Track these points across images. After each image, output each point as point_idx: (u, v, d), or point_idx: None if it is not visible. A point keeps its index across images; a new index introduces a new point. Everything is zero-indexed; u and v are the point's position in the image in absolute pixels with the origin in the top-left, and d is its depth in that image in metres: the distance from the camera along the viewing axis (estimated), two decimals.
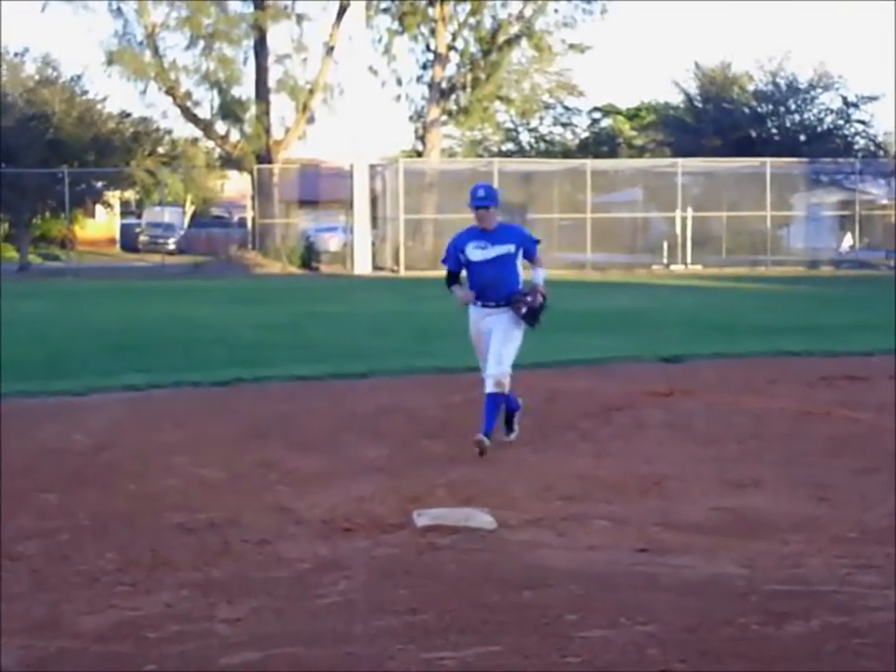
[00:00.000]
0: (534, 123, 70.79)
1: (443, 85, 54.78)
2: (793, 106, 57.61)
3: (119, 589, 6.25)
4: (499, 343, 9.97)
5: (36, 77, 54.12)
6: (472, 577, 6.40)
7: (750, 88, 59.14)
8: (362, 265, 47.09)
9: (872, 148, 58.22)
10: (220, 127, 53.42)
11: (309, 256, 49.38)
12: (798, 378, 14.13)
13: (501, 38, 54.40)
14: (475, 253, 10.04)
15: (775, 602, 5.88)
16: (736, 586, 6.16)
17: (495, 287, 10.03)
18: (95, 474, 9.10)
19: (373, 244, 48.73)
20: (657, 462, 9.45)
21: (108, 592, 6.19)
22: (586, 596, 6.03)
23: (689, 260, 48.21)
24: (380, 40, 54.61)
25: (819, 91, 57.54)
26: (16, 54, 54.68)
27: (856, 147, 57.48)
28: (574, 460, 9.59)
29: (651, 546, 6.98)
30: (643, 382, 13.81)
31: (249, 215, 57.30)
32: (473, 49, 55.17)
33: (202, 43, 51.35)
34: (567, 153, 65.45)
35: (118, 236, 72.11)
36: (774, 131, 57.53)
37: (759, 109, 57.89)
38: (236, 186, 73.65)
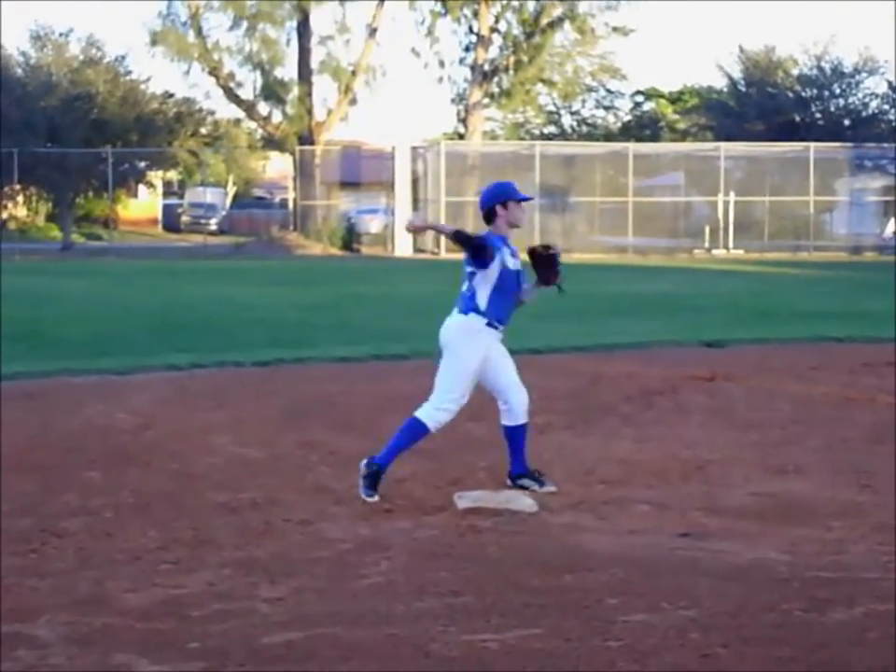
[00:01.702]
0: (576, 106, 70.63)
1: (486, 67, 54.66)
2: (838, 91, 57.26)
3: (163, 567, 6.29)
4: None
5: (81, 58, 54.42)
6: (513, 559, 6.41)
7: (795, 72, 58.84)
8: (403, 247, 47.14)
9: None
10: (263, 108, 53.65)
11: (350, 237, 49.47)
12: (841, 364, 14.06)
13: (544, 21, 54.25)
14: (510, 261, 8.07)
15: (817, 588, 5.86)
16: (779, 572, 6.15)
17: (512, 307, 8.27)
18: (138, 453, 9.16)
19: None
20: (698, 447, 9.43)
21: (152, 570, 6.24)
22: (627, 580, 6.02)
23: (731, 245, 48.01)
24: (423, 22, 54.61)
25: (865, 75, 57.20)
26: (61, 34, 55.02)
27: None
28: (615, 444, 9.59)
29: (693, 531, 6.98)
30: (685, 366, 13.76)
31: (291, 196, 57.39)
32: (516, 31, 55.06)
33: (245, 24, 51.53)
34: (609, 136, 65.21)
35: (160, 216, 72.43)
36: (818, 115, 57.23)
37: (803, 93, 57.59)
38: (278, 167, 73.77)
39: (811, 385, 12.56)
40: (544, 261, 8.31)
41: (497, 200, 8.06)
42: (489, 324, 8.04)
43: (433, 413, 8.19)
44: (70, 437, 9.74)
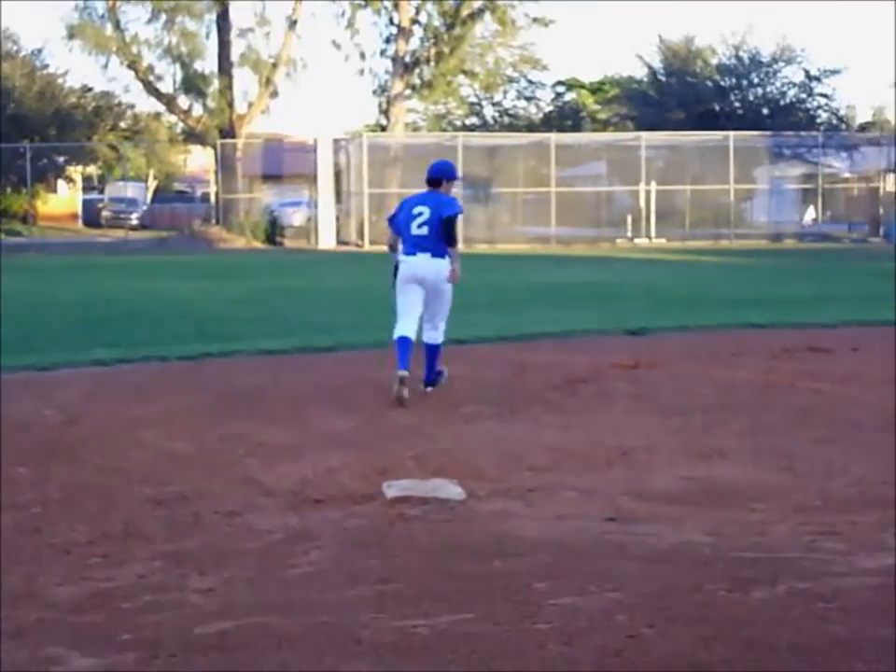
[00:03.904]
0: (498, 97, 70.87)
1: (407, 59, 54.64)
2: (756, 80, 57.96)
3: (92, 561, 6.29)
4: None
5: None
6: (442, 546, 6.47)
7: (714, 61, 59.49)
8: (326, 240, 47.13)
9: (834, 122, 58.60)
10: (183, 101, 53.31)
11: (273, 230, 49.33)
12: (762, 350, 14.24)
13: (465, 12, 54.28)
14: None
15: (740, 569, 5.98)
16: (703, 554, 6.26)
17: None
18: (65, 448, 9.11)
19: (337, 218, 48.74)
20: (624, 433, 9.54)
21: (81, 563, 6.23)
22: (555, 565, 6.11)
23: (653, 234, 48.44)
24: (343, 14, 54.44)
25: (782, 64, 57.93)
26: None
27: (818, 120, 57.82)
28: (541, 432, 9.67)
29: (619, 515, 7.07)
30: (609, 354, 13.89)
31: (213, 190, 57.16)
32: (437, 22, 55.05)
33: (164, 16, 51.16)
34: (531, 127, 65.53)
35: (80, 211, 71.69)
36: (737, 104, 57.88)
37: (722, 83, 58.23)
38: (199, 160, 73.46)
39: (733, 371, 12.73)
40: None
41: (444, 176, 11.45)
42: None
43: (443, 335, 11.64)
44: None
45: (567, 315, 18.30)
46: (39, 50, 54.04)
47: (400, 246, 11.33)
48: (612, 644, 5.03)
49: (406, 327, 11.21)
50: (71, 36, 51.38)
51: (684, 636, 5.12)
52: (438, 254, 11.17)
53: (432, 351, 11.55)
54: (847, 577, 5.86)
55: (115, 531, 6.83)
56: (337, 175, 49.27)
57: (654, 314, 18.57)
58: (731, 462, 8.55)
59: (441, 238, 11.17)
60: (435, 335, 11.56)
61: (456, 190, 13.26)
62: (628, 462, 8.57)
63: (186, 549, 6.49)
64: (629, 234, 48.62)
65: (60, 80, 54.36)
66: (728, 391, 11.54)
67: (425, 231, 11.12)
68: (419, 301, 11.32)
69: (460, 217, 11.59)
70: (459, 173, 12.69)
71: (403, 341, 11.09)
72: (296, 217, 54.39)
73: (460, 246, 12.01)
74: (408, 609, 5.47)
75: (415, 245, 11.18)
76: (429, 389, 11.49)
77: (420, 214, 11.15)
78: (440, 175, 11.41)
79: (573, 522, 6.98)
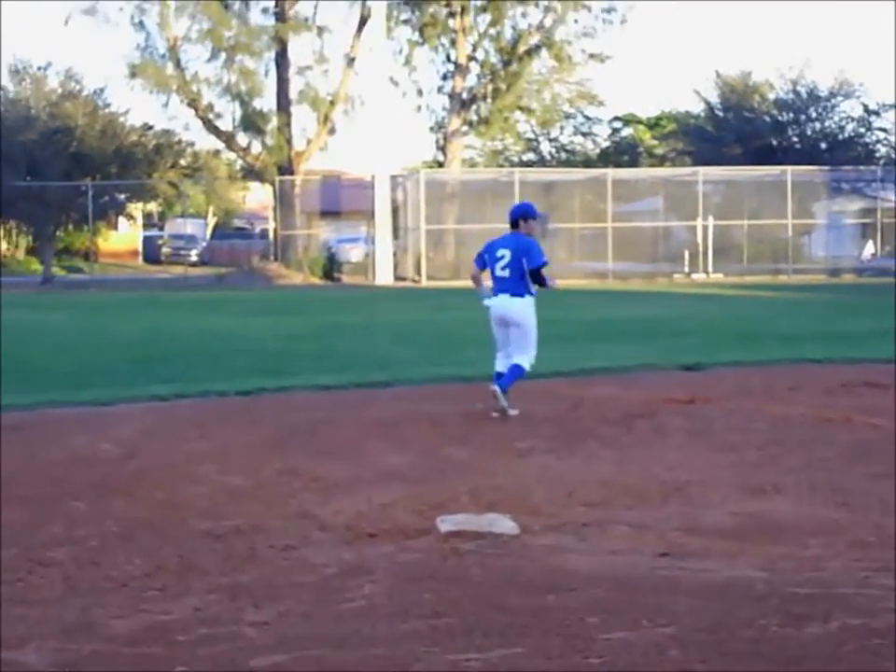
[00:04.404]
0: (554, 133, 71.09)
1: (464, 95, 54.97)
2: (814, 114, 57.71)
3: (149, 594, 6.35)
4: None
5: (60, 91, 54.43)
6: (495, 581, 6.49)
7: (771, 96, 59.29)
8: (384, 276, 47.27)
9: (893, 156, 58.20)
10: (242, 139, 53.82)
11: (331, 266, 49.59)
12: (818, 385, 14.19)
13: (521, 48, 54.57)
14: None
15: (794, 604, 5.96)
16: (756, 589, 6.24)
17: None
18: (123, 482, 9.22)
19: (395, 254, 48.92)
20: (678, 468, 9.53)
21: (138, 596, 6.30)
22: (608, 599, 6.12)
23: (710, 269, 48.27)
24: (401, 51, 54.96)
25: (840, 98, 57.66)
26: (39, 68, 55.09)
27: (877, 154, 57.54)
28: (596, 467, 9.68)
29: (672, 550, 7.06)
30: (664, 389, 13.88)
31: (271, 226, 57.54)
32: (493, 59, 55.40)
33: (223, 55, 51.73)
34: (587, 163, 65.59)
35: (140, 248, 72.55)
36: (795, 139, 57.66)
37: (779, 118, 58.03)
38: (258, 197, 74.01)
39: (789, 406, 12.68)
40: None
41: (519, 215, 12.54)
42: (531, 294, 12.39)
43: (529, 362, 12.44)
44: (54, 468, 9.80)
45: (622, 351, 18.31)
46: (102, 90, 54.54)
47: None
48: None
49: (499, 363, 12.64)
50: (133, 75, 52.03)
51: (737, 671, 5.11)
52: (517, 293, 12.31)
53: (514, 368, 12.38)
54: None
55: (171, 565, 6.89)
56: (394, 211, 49.48)
57: (710, 349, 18.53)
58: (785, 497, 8.52)
59: (522, 278, 12.28)
60: (520, 359, 12.41)
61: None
62: (682, 497, 8.56)
63: (241, 582, 6.55)
64: (686, 269, 48.48)
65: (121, 119, 54.81)
66: (783, 426, 11.50)
67: (507, 273, 12.30)
68: (507, 339, 12.54)
69: (546, 263, 12.44)
70: (539, 210, 13.49)
71: (497, 376, 12.52)
72: (353, 253, 54.63)
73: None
74: (460, 643, 5.49)
75: (499, 287, 12.42)
76: (495, 388, 12.24)
77: (503, 257, 12.33)
78: (517, 216, 12.51)
79: (626, 557, 6.98)
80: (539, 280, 12.32)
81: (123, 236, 69.46)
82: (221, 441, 11.00)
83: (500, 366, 12.56)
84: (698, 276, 47.57)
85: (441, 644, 5.48)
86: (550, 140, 71.94)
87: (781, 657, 5.26)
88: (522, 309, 12.34)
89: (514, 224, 12.49)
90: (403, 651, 5.40)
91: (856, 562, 6.75)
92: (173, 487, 9.03)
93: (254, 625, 5.81)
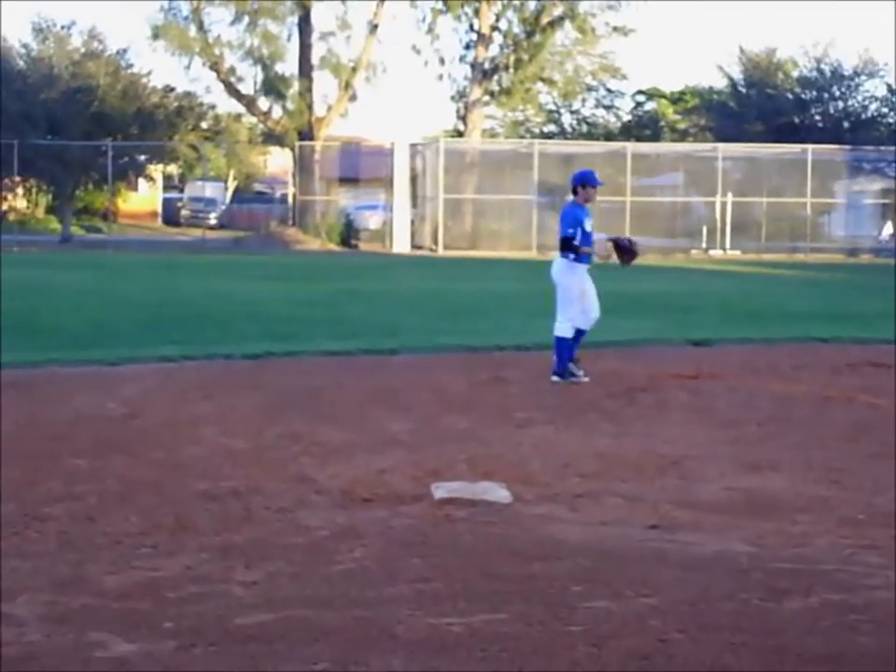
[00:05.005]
0: (576, 105, 70.71)
1: (486, 65, 54.88)
2: (837, 93, 57.37)
3: (142, 551, 6.45)
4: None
5: (82, 51, 54.42)
6: (485, 548, 6.57)
7: (795, 74, 58.98)
8: (401, 244, 47.30)
9: None
10: (263, 103, 53.86)
11: (348, 233, 49.67)
12: (824, 364, 14.23)
13: (545, 20, 54.44)
14: (588, 224, 12.65)
15: (777, 579, 6.03)
16: (741, 563, 6.31)
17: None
18: (125, 441, 9.32)
19: (412, 222, 48.94)
20: (676, 443, 9.58)
21: (131, 553, 6.39)
22: (594, 569, 6.19)
23: (728, 246, 48.22)
24: (424, 19, 54.87)
25: (864, 78, 57.31)
26: (62, 27, 55.02)
27: None
28: (594, 439, 9.75)
29: (663, 523, 7.13)
30: (671, 364, 13.93)
31: (290, 191, 57.58)
32: (517, 29, 55.28)
33: (246, 19, 51.69)
34: (609, 136, 65.31)
35: (160, 210, 72.64)
36: (817, 117, 57.36)
37: (803, 95, 57.73)
38: (279, 162, 73.90)
39: (793, 384, 12.72)
40: (623, 250, 13.09)
41: (579, 182, 12.73)
42: (577, 260, 12.58)
43: (559, 326, 12.62)
44: (58, 425, 9.91)
45: (631, 325, 18.31)
46: (124, 50, 54.51)
47: None
48: (641, 648, 5.10)
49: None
50: (155, 37, 52.09)
51: (714, 642, 5.18)
52: (561, 256, 12.79)
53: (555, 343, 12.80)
54: (882, 590, 5.88)
55: (167, 523, 6.98)
56: (413, 179, 49.48)
57: (720, 325, 18.57)
58: (781, 474, 8.57)
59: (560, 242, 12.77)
60: (555, 326, 12.82)
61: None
62: (678, 471, 8.62)
63: (234, 542, 6.64)
64: (704, 245, 48.44)
65: (143, 80, 54.81)
66: (785, 404, 11.56)
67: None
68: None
69: (571, 236, 12.60)
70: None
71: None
72: (371, 221, 54.63)
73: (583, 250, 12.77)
74: (444, 608, 5.57)
75: None
76: (554, 379, 12.60)
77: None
78: (574, 183, 12.90)
79: (616, 528, 7.05)
80: (569, 248, 12.55)
81: (143, 197, 69.55)
82: (224, 404, 11.09)
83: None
84: (716, 253, 47.52)
85: (424, 608, 5.56)
86: (571, 112, 71.67)
87: (759, 630, 5.33)
88: (557, 271, 12.74)
89: (573, 191, 12.87)
90: (387, 613, 5.48)
91: (842, 539, 6.81)
92: (173, 448, 9.13)
93: (243, 585, 5.90)
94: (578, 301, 12.64)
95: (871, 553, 6.52)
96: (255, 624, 5.35)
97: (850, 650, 5.13)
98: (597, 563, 6.30)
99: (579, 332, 12.78)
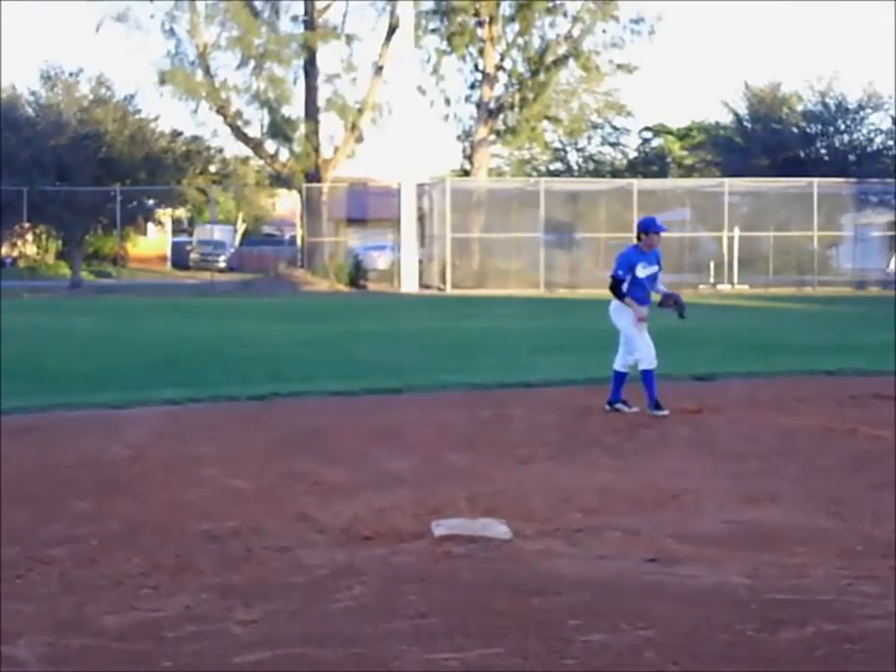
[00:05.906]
0: (582, 143, 71.03)
1: (491, 105, 55.13)
2: (842, 127, 57.57)
3: (143, 592, 6.49)
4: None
5: (90, 97, 54.65)
6: (483, 584, 6.60)
7: (799, 108, 59.18)
8: (409, 283, 47.40)
9: None
10: (270, 146, 54.12)
11: (357, 274, 49.78)
12: (828, 396, 14.25)
13: (549, 58, 54.70)
14: (642, 270, 13.13)
15: (773, 610, 6.05)
16: (738, 595, 6.34)
17: (649, 295, 13.41)
18: (129, 483, 9.37)
19: (420, 262, 49.04)
20: (677, 477, 9.62)
21: (132, 594, 6.44)
22: (591, 603, 6.22)
23: (736, 280, 48.26)
24: (428, 60, 55.21)
25: (869, 111, 57.56)
26: (70, 74, 55.31)
27: None
28: (596, 474, 9.78)
29: (661, 556, 7.16)
30: (674, 399, 13.91)
31: (299, 233, 57.76)
32: (521, 68, 55.58)
33: (252, 63, 52.00)
34: (615, 173, 65.64)
35: (169, 254, 72.88)
36: (823, 151, 57.53)
37: (808, 129, 57.91)
38: (288, 204, 74.17)
39: (795, 417, 12.75)
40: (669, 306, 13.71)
41: (642, 230, 13.26)
42: (642, 303, 13.17)
43: (623, 364, 13.31)
44: (63, 469, 9.97)
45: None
46: (132, 96, 54.78)
47: None
48: None
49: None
50: (162, 82, 52.38)
51: None
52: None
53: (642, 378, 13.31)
54: (877, 620, 5.91)
55: (168, 564, 7.03)
56: (420, 219, 49.64)
57: (724, 359, 18.59)
58: (780, 506, 8.60)
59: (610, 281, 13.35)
60: (617, 362, 13.43)
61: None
62: (677, 505, 8.65)
63: (234, 582, 6.68)
64: (712, 280, 48.49)
65: (151, 125, 55.06)
66: (788, 437, 11.58)
67: None
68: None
69: (620, 279, 13.15)
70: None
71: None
72: (380, 261, 54.81)
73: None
74: (441, 643, 5.61)
75: None
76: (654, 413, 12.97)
77: None
78: (638, 231, 13.48)
79: (615, 562, 7.08)
80: (613, 290, 13.17)
81: (152, 241, 69.83)
82: (228, 445, 11.15)
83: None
84: (723, 287, 47.56)
85: (421, 643, 5.60)
86: (577, 150, 72.02)
87: (752, 660, 5.37)
88: (613, 312, 13.30)
89: (637, 237, 13.43)
90: (383, 649, 5.52)
91: (840, 570, 6.83)
92: (176, 489, 9.18)
93: (242, 623, 5.94)
94: (638, 338, 13.11)
95: (868, 583, 6.55)
96: (253, 662, 5.39)
97: None
98: (595, 597, 6.33)
99: (623, 374, 13.35)
